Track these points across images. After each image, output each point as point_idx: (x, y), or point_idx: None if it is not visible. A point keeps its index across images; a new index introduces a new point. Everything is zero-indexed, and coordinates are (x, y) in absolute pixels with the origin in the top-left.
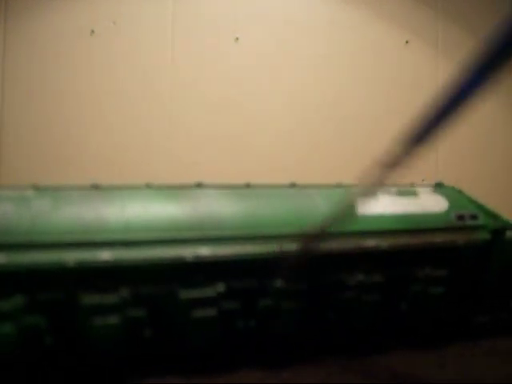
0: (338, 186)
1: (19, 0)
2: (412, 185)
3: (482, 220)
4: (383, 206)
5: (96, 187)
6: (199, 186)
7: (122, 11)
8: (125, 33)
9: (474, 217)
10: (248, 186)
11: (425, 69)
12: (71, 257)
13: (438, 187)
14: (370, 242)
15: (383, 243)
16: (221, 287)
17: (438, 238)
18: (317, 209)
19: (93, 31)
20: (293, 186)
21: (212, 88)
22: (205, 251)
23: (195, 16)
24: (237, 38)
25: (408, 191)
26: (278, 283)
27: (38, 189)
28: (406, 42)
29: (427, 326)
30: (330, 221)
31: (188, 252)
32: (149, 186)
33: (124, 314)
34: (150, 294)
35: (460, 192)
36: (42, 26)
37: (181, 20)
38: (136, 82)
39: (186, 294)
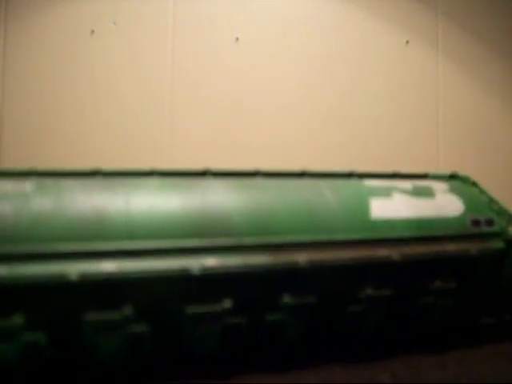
0: (350, 175)
1: (20, 0)
2: (425, 175)
3: (497, 226)
4: (397, 208)
5: (97, 173)
6: (205, 173)
7: (122, 11)
8: (125, 33)
9: (489, 222)
10: (257, 173)
11: (425, 68)
12: (73, 269)
13: (452, 179)
14: (382, 252)
15: (395, 253)
16: (227, 303)
17: (452, 247)
18: (330, 210)
19: (93, 31)
20: (303, 174)
21: (212, 87)
22: (212, 262)
23: (195, 16)
24: (237, 38)
25: (423, 190)
26: (286, 298)
27: (38, 177)
28: (407, 41)
29: (435, 335)
30: None
31: (195, 263)
32: (153, 172)
33: (127, 331)
34: (155, 309)
35: (475, 186)
36: (42, 26)
37: (181, 20)
38: (136, 82)
39: (191, 309)
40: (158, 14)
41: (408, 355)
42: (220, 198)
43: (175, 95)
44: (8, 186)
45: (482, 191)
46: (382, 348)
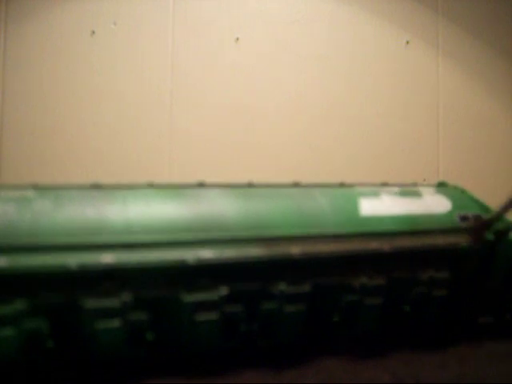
0: (341, 185)
1: (20, 0)
2: (414, 184)
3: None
4: (385, 207)
5: (97, 187)
6: (201, 185)
7: (122, 12)
8: (125, 33)
9: (477, 218)
10: (250, 185)
11: (425, 69)
12: (73, 259)
13: (441, 187)
14: (373, 244)
15: (386, 245)
16: (224, 290)
17: (441, 239)
18: (321, 209)
19: (93, 32)
20: (296, 185)
21: (212, 88)
22: (208, 254)
23: (195, 16)
24: (237, 38)
25: (411, 191)
26: (282, 286)
27: (39, 188)
28: (407, 42)
29: (431, 328)
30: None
31: (190, 254)
32: (150, 186)
33: (126, 318)
34: (153, 298)
35: (463, 192)
36: (42, 26)
37: (181, 20)
38: (136, 83)
39: (189, 297)
40: (158, 14)
41: (408, 354)
42: (215, 201)
43: (175, 95)
44: (11, 193)
45: (471, 196)
46: (381, 347)
